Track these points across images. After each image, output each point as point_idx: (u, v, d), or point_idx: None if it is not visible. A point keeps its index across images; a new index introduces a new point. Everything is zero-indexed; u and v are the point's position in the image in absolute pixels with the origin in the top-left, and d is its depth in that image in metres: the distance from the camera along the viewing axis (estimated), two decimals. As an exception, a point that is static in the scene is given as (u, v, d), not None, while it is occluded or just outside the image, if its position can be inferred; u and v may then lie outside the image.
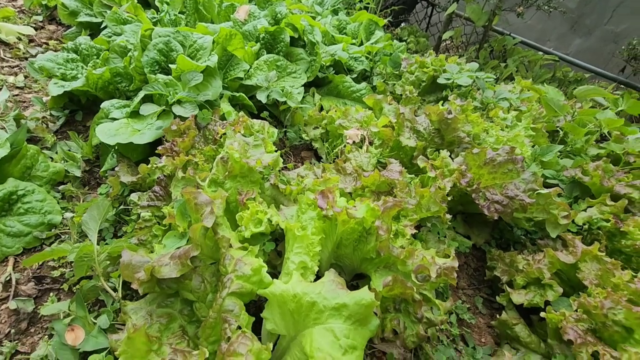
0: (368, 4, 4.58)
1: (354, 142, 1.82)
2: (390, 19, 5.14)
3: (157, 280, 1.00)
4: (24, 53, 3.16)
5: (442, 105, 1.94)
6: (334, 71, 2.66)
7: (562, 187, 1.80)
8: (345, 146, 1.86)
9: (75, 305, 1.12)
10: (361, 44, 3.06)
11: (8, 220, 1.42)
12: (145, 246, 1.30)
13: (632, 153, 1.89)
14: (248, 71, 2.26)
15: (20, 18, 3.74)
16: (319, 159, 2.28)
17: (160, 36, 2.08)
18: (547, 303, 1.30)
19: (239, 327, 0.86)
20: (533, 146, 1.89)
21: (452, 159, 1.58)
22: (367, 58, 2.79)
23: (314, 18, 3.49)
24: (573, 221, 1.55)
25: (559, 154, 1.99)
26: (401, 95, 2.35)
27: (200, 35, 2.16)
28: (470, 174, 1.51)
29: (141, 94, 1.91)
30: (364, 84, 2.48)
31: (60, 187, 1.73)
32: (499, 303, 1.52)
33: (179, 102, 1.73)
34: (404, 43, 3.43)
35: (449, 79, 2.23)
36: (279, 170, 1.61)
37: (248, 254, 1.05)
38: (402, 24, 5.69)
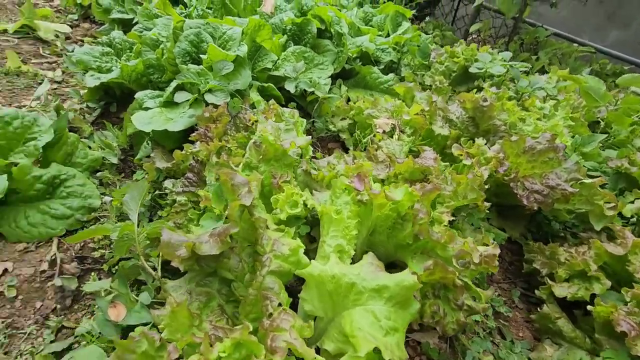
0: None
1: (384, 131, 1.80)
2: (414, 12, 5.05)
3: (197, 258, 1.01)
4: (61, 50, 3.30)
5: (476, 94, 1.89)
6: (360, 63, 2.64)
7: (606, 179, 1.71)
8: (374, 135, 1.84)
9: (117, 283, 1.15)
10: (387, 35, 3.02)
11: (52, 203, 1.48)
12: (182, 229, 1.32)
13: (682, 144, 1.77)
14: (276, 62, 2.27)
15: (57, 17, 3.91)
16: (346, 150, 2.26)
17: (191, 28, 2.11)
18: (592, 296, 1.24)
19: (280, 304, 0.86)
20: (573, 136, 1.81)
21: (488, 147, 1.53)
22: (394, 49, 2.74)
23: (339, 10, 3.47)
24: (619, 213, 1.47)
25: (600, 145, 1.90)
26: (430, 85, 2.31)
27: (229, 27, 2.18)
28: (508, 162, 1.46)
29: (173, 84, 1.95)
30: (391, 75, 2.44)
31: (98, 174, 1.79)
32: (536, 297, 1.46)
33: (210, 90, 1.76)
34: (430, 36, 3.36)
35: (481, 69, 2.16)
36: (309, 159, 1.61)
37: (285, 235, 1.05)
38: (427, 18, 5.59)
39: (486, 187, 1.40)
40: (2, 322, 1.14)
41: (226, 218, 1.14)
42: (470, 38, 4.90)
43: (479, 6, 4.35)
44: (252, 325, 0.92)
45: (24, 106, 2.37)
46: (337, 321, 0.95)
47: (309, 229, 1.21)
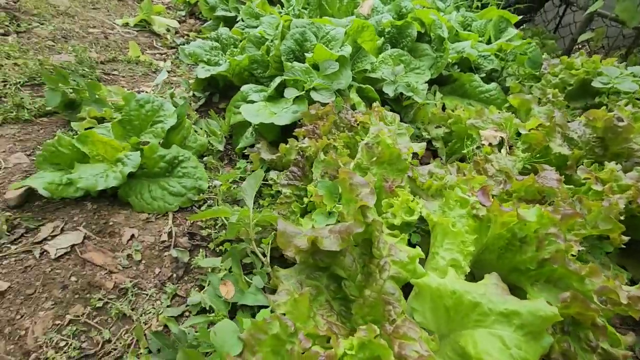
0: (486, 4, 4.25)
1: (490, 144, 1.69)
2: (512, 18, 4.70)
3: (313, 251, 1.04)
4: (170, 43, 3.65)
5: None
6: (458, 69, 2.52)
7: None
8: (478, 147, 1.73)
9: (228, 263, 1.23)
10: (488, 42, 2.84)
11: (170, 181, 1.63)
12: (287, 220, 1.37)
13: None
14: (373, 64, 2.26)
15: (168, 13, 4.33)
16: (436, 158, 2.18)
17: (297, 27, 2.19)
18: None
19: (402, 312, 0.85)
20: None
21: (623, 173, 1.35)
22: (496, 57, 2.57)
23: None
24: None
25: None
26: (540, 99, 2.12)
27: (332, 27, 2.22)
28: (648, 192, 1.27)
29: (278, 80, 2.04)
30: (494, 85, 2.29)
31: (204, 159, 1.94)
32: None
33: (315, 88, 1.80)
34: (534, 43, 3.09)
35: (606, 84, 1.93)
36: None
37: (400, 241, 1.03)
38: (524, 25, 5.17)
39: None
40: (131, 282, 1.29)
41: (337, 215, 1.16)
42: (576, 48, 4.42)
43: (592, 13, 3.91)
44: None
45: (143, 91, 2.67)
46: (452, 339, 0.90)
47: (420, 238, 1.18)
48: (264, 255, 1.24)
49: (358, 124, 1.54)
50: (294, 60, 2.13)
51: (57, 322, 1.15)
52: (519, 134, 1.86)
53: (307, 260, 1.05)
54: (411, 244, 1.30)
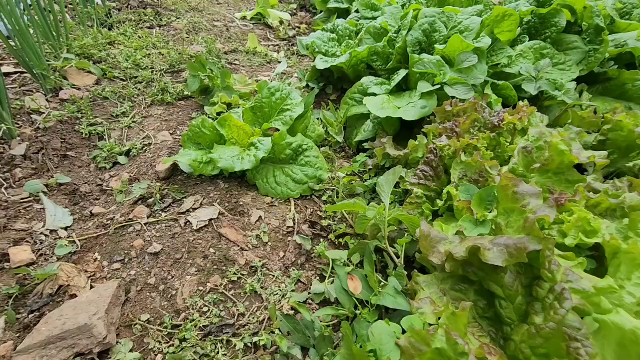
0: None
1: (673, 158, 1.36)
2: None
3: (465, 262, 0.94)
4: (283, 35, 3.80)
5: None
6: (615, 66, 2.12)
7: None
8: (653, 161, 1.42)
9: (357, 257, 1.20)
10: (658, 33, 2.33)
11: (294, 168, 1.67)
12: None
13: None
14: (511, 57, 2.02)
15: (280, 6, 4.52)
16: (581, 172, 1.86)
17: (426, 16, 2.06)
18: None
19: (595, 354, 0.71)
20: None
21: None
22: (671, 52, 2.09)
23: (582, 1, 2.88)
24: None
25: None
26: None
27: (466, 16, 2.04)
28: None
29: (402, 73, 1.94)
30: (669, 85, 1.86)
31: (322, 149, 1.95)
32: None
33: (447, 83, 1.67)
34: None
35: None
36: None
37: (578, 265, 0.87)
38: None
39: None
40: (260, 262, 1.35)
41: (491, 224, 1.04)
42: None
43: None
44: (542, 361, 0.79)
45: (260, 80, 2.82)
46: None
47: (594, 265, 0.99)
48: (397, 256, 1.18)
49: (504, 125, 1.37)
50: (420, 52, 2.01)
51: (200, 288, 1.25)
52: None
53: (457, 270, 0.96)
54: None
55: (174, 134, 2.07)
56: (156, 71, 2.64)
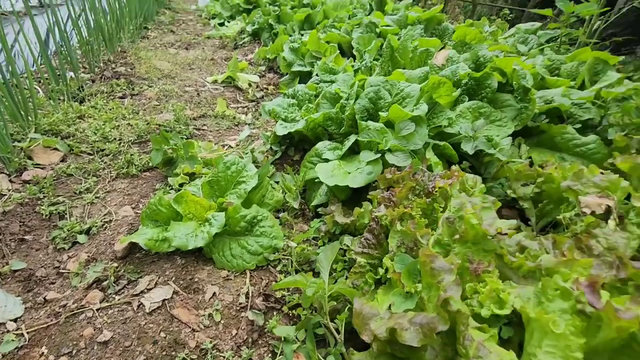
0: (577, 38, 3.92)
1: (593, 212, 1.48)
2: (608, 51, 4.26)
3: (390, 340, 0.98)
4: (251, 96, 4.01)
5: None
6: (546, 120, 2.32)
7: None
8: (576, 216, 1.53)
9: (302, 334, 1.23)
10: (582, 87, 2.59)
11: (249, 239, 1.72)
12: (359, 291, 1.34)
13: None
14: (450, 119, 2.20)
15: (250, 68, 4.81)
16: (524, 220, 1.97)
17: (372, 85, 2.25)
18: None
19: None
20: None
21: None
22: (593, 104, 2.32)
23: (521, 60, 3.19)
24: None
25: None
26: (654, 154, 1.82)
27: (407, 84, 2.23)
28: None
29: (352, 138, 2.08)
30: (593, 137, 2.05)
31: (280, 215, 2.02)
32: None
33: (390, 150, 1.80)
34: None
35: None
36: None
37: (490, 339, 0.93)
38: (624, 57, 4.63)
39: None
40: (211, 342, 1.35)
41: (416, 297, 1.10)
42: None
43: None
44: None
45: (227, 145, 2.94)
46: None
47: (512, 332, 1.05)
48: (338, 332, 1.21)
49: (436, 191, 1.48)
50: (368, 118, 2.17)
51: (147, 379, 1.24)
52: (628, 198, 1.61)
53: (384, 348, 1.00)
54: (502, 338, 1.17)
55: (136, 207, 2.11)
56: (124, 142, 2.73)
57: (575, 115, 2.27)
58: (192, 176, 2.27)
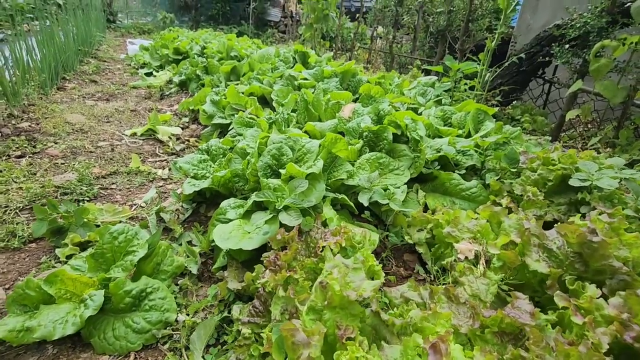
0: (473, 87, 4.49)
1: (466, 257, 1.61)
2: (499, 98, 4.91)
3: None
4: (171, 149, 3.92)
5: (581, 218, 1.61)
6: (439, 166, 2.55)
7: None
8: (455, 261, 1.65)
9: None
10: (469, 135, 2.92)
11: (135, 317, 1.59)
12: (242, 367, 1.27)
13: None
14: (350, 171, 2.32)
15: (174, 120, 4.74)
16: (423, 264, 2.08)
17: (274, 143, 2.32)
18: None
19: None
20: None
21: (606, 297, 1.23)
22: (476, 151, 2.61)
23: (416, 110, 3.54)
24: None
25: None
26: (522, 195, 2.07)
27: (308, 140, 2.34)
28: (637, 324, 1.13)
29: (253, 197, 2.08)
30: (474, 182, 2.28)
31: (180, 282, 1.91)
32: None
33: (285, 208, 1.82)
34: (518, 128, 3.14)
35: (584, 181, 1.88)
36: (380, 289, 1.49)
37: (345, 417, 0.91)
38: (514, 102, 5.37)
39: (610, 358, 1.09)
40: None
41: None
42: (568, 121, 4.47)
43: (575, 92, 4.03)
44: None
45: (136, 204, 2.79)
46: None
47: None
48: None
49: (322, 250, 1.51)
50: (271, 175, 2.21)
51: None
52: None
53: None
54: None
55: (10, 288, 1.86)
56: (10, 210, 2.46)
57: (461, 162, 2.53)
58: (83, 246, 2.08)
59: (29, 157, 3.28)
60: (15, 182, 2.77)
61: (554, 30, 4.45)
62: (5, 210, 2.45)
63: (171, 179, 3.28)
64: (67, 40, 6.54)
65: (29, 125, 3.91)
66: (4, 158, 3.15)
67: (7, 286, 1.88)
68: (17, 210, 2.47)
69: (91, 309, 1.47)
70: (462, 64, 3.60)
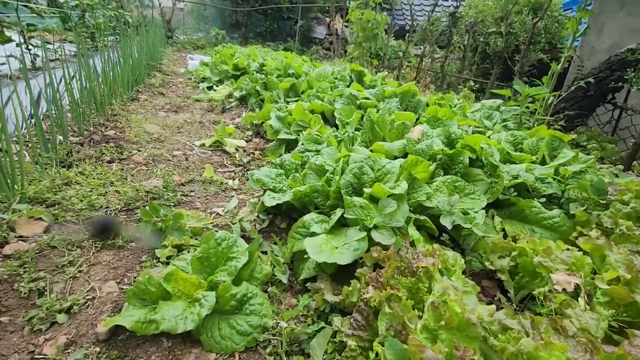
0: (535, 110, 4.40)
1: (563, 289, 1.60)
2: (562, 123, 4.76)
3: None
4: (239, 161, 4.16)
5: (692, 257, 1.56)
6: (515, 193, 2.53)
7: None
8: (550, 292, 1.65)
9: None
10: (543, 162, 2.88)
11: (238, 319, 1.72)
12: (350, 378, 1.35)
13: None
14: (428, 194, 2.37)
15: (237, 133, 5.02)
16: (503, 292, 2.07)
17: (355, 162, 2.43)
18: None
19: None
20: None
21: None
22: (554, 179, 2.57)
23: (483, 134, 3.53)
24: None
25: None
26: (612, 229, 2.02)
27: (387, 161, 2.42)
28: None
29: (339, 213, 2.19)
30: (557, 211, 2.25)
31: (269, 290, 2.04)
32: None
33: (376, 227, 1.91)
34: (592, 157, 3.04)
35: (687, 218, 1.81)
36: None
37: None
38: (578, 128, 5.18)
39: None
40: None
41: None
42: (641, 152, 4.24)
43: (651, 121, 3.84)
44: None
45: (214, 212, 2.99)
46: None
47: None
48: None
49: (420, 270, 1.57)
50: (352, 192, 2.31)
51: None
52: (595, 273, 1.75)
53: None
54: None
55: (121, 282, 2.08)
56: (111, 211, 2.74)
57: (540, 189, 2.50)
58: (179, 248, 2.28)
59: (117, 162, 3.62)
60: (112, 186, 3.08)
61: (627, 54, 4.29)
62: (106, 211, 2.73)
63: (241, 190, 3.48)
64: (139, 55, 7.17)
65: (115, 134, 4.31)
66: (99, 162, 3.50)
67: (117, 280, 2.09)
68: (116, 212, 2.75)
69: (206, 308, 1.62)
70: (532, 89, 3.57)
